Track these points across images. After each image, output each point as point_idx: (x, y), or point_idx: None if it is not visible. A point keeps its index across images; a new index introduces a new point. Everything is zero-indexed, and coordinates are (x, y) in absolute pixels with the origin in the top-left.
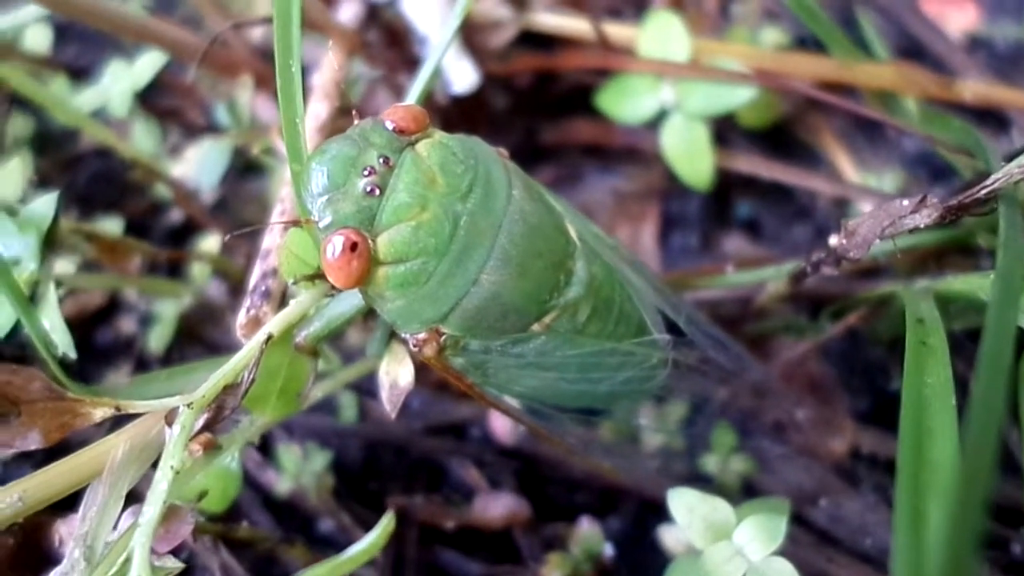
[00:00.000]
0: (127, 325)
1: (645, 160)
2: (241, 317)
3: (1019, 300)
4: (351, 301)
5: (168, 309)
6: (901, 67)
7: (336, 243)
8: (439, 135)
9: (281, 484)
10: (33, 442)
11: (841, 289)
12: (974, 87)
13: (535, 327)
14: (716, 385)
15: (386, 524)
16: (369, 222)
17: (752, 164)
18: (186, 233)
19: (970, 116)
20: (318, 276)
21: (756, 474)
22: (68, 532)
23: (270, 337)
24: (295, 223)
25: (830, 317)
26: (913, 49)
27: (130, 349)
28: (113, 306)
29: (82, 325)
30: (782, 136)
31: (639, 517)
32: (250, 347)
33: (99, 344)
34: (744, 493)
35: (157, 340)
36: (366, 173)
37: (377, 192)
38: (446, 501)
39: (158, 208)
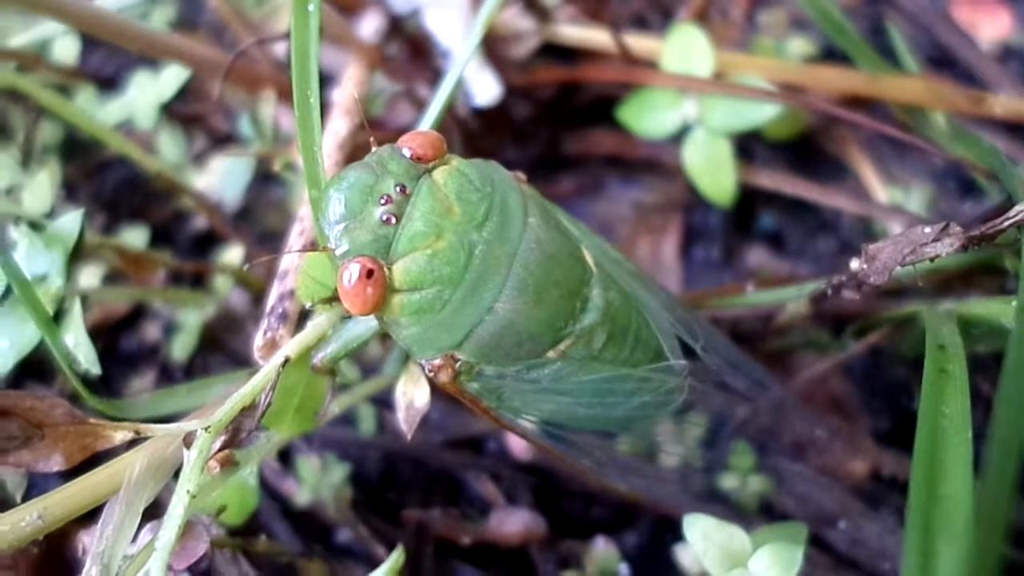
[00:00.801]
0: (152, 332)
1: (667, 172)
2: (258, 339)
3: None
4: (368, 323)
5: (191, 318)
6: (930, 81)
7: (352, 271)
8: (456, 162)
9: (301, 495)
10: (56, 464)
11: (864, 307)
12: (1005, 102)
13: (550, 354)
14: (735, 405)
15: (396, 558)
16: (385, 250)
17: (775, 180)
18: (210, 240)
19: (1002, 130)
20: (335, 299)
21: (775, 494)
22: (91, 542)
23: (287, 360)
24: (312, 249)
25: (853, 335)
26: (944, 59)
27: (154, 356)
28: (138, 313)
29: (108, 332)
30: (808, 148)
31: (656, 533)
32: (267, 370)
33: (124, 350)
34: (762, 512)
35: (180, 349)
36: (383, 201)
37: (393, 221)
38: (463, 515)
39: (183, 215)
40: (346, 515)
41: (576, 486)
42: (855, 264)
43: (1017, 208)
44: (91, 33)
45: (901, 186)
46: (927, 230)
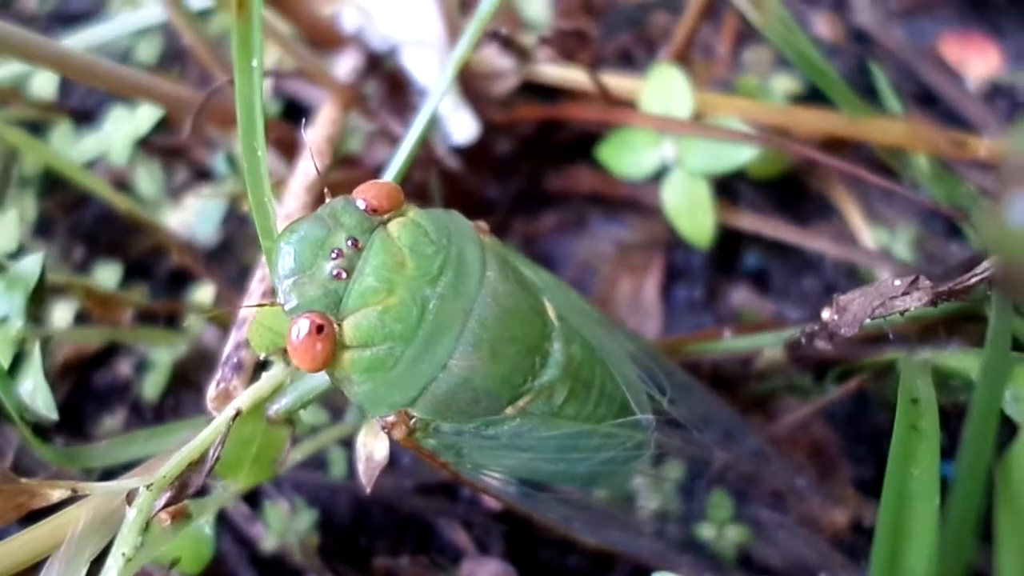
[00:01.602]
0: (124, 369)
1: (649, 210)
2: (211, 390)
3: (999, 404)
4: (324, 375)
5: (163, 356)
6: (912, 123)
7: (301, 326)
8: (413, 213)
9: (267, 541)
10: None
11: (845, 353)
12: (989, 144)
13: (508, 410)
14: (710, 455)
15: None
16: (336, 305)
17: (756, 222)
18: (188, 275)
19: (987, 171)
20: None
21: (754, 543)
22: None
23: (238, 413)
24: (264, 304)
25: (834, 380)
26: (928, 97)
27: (126, 393)
28: (111, 350)
29: (80, 368)
30: (792, 187)
31: None
32: (215, 424)
33: (96, 387)
34: (741, 563)
35: (152, 387)
36: (333, 256)
37: (344, 275)
38: (433, 563)
39: (161, 250)
40: (313, 562)
41: (552, 534)
42: (826, 314)
43: (983, 265)
44: (62, 73)
45: (887, 227)
46: (897, 283)
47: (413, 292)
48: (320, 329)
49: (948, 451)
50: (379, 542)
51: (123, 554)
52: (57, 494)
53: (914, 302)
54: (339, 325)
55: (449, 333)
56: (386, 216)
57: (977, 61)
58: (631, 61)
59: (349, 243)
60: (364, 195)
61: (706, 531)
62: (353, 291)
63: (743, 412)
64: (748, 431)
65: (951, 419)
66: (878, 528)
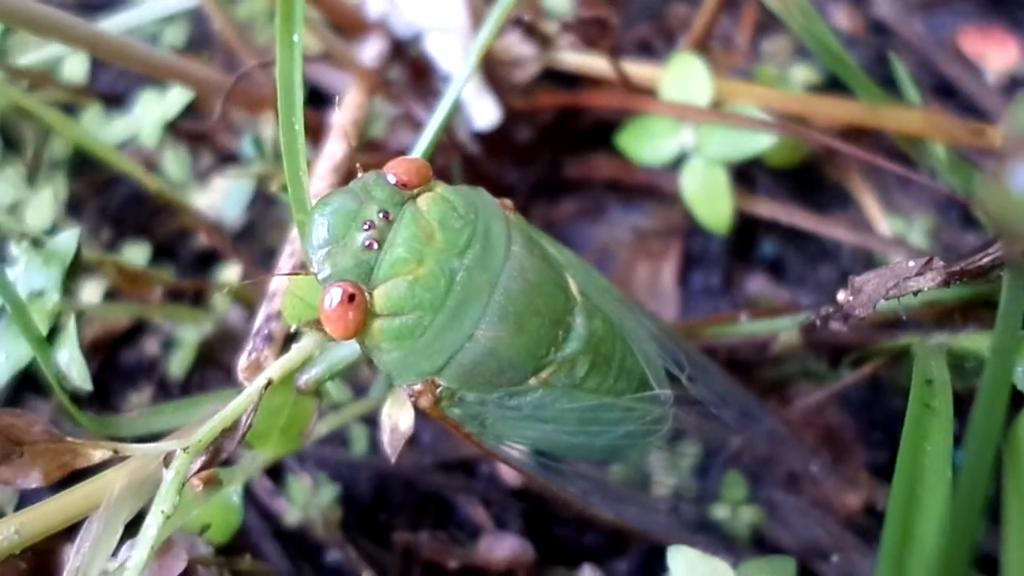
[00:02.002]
0: (151, 347)
1: (667, 197)
2: (242, 361)
3: (1010, 381)
4: (353, 346)
5: (189, 335)
6: (930, 113)
7: (334, 295)
8: (441, 188)
9: (290, 514)
10: (34, 480)
11: (861, 338)
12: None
13: (532, 381)
14: (725, 435)
15: None
16: (367, 275)
17: (774, 209)
18: (213, 255)
19: None
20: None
21: (767, 525)
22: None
23: (270, 382)
24: (298, 273)
25: (849, 365)
26: (947, 89)
27: (153, 371)
28: (138, 328)
29: (108, 346)
30: (810, 175)
31: (646, 563)
32: (249, 392)
33: (124, 365)
34: (754, 544)
35: (178, 365)
36: (365, 227)
37: (375, 246)
38: (452, 539)
39: (187, 230)
40: (335, 536)
41: (568, 512)
42: (841, 296)
43: (995, 246)
44: (95, 54)
45: (903, 216)
46: (911, 264)
47: (442, 263)
48: (352, 298)
49: (961, 437)
50: (399, 517)
51: (162, 511)
52: (99, 454)
53: (927, 282)
54: (370, 294)
55: (476, 304)
56: (415, 191)
57: (996, 54)
58: (651, 51)
59: (380, 215)
60: (395, 170)
61: (720, 511)
62: (384, 261)
63: (759, 396)
64: (764, 413)
65: (964, 404)
66: (891, 501)
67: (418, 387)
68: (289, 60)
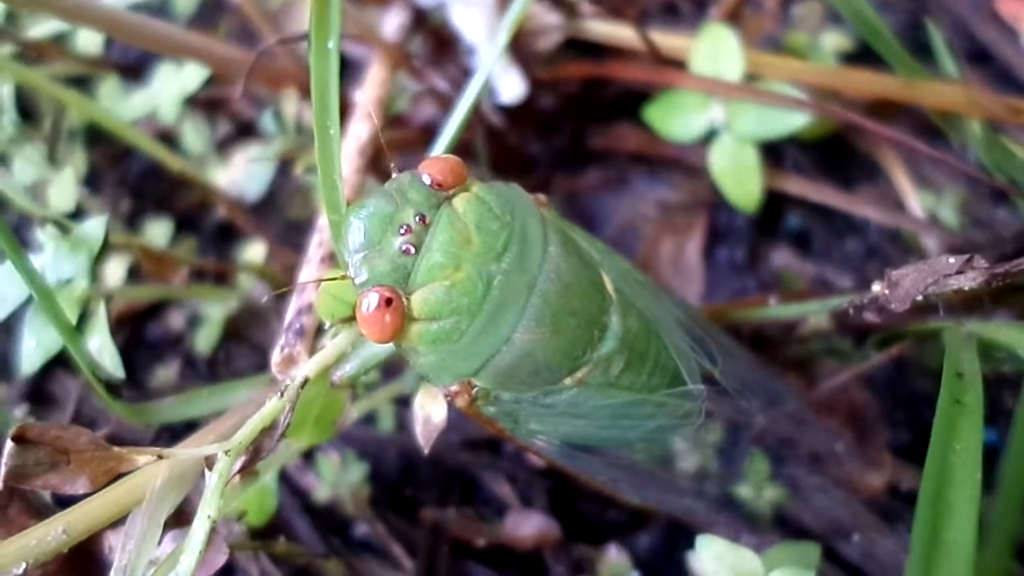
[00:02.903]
0: (177, 321)
1: (694, 170)
2: (276, 355)
3: None
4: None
5: (215, 312)
6: (967, 88)
7: (371, 299)
8: (477, 188)
9: (320, 491)
10: (82, 487)
11: (889, 320)
12: None
13: (567, 381)
14: (752, 418)
15: None
16: (404, 280)
17: (802, 186)
18: (236, 228)
19: None
20: (354, 318)
21: (789, 504)
22: (117, 541)
23: (307, 380)
24: (331, 263)
25: (875, 346)
26: (983, 55)
27: (179, 345)
28: (164, 303)
29: (133, 320)
30: (839, 148)
31: (669, 538)
32: (287, 392)
33: (150, 339)
34: (777, 523)
35: (204, 342)
36: (402, 232)
37: (412, 251)
38: (478, 515)
39: (208, 203)
40: (364, 512)
41: (591, 489)
42: (877, 287)
43: None
44: (108, 33)
45: (933, 190)
46: (951, 260)
47: (479, 268)
48: (389, 302)
49: (990, 418)
50: (426, 494)
51: (208, 516)
52: (143, 460)
53: (968, 282)
54: (407, 298)
55: (513, 308)
56: (451, 191)
57: None
58: (677, 13)
59: (417, 219)
60: (430, 170)
61: (744, 491)
62: (421, 266)
63: (783, 374)
64: (789, 395)
65: (992, 387)
66: (920, 500)
67: (454, 388)
68: (324, 66)
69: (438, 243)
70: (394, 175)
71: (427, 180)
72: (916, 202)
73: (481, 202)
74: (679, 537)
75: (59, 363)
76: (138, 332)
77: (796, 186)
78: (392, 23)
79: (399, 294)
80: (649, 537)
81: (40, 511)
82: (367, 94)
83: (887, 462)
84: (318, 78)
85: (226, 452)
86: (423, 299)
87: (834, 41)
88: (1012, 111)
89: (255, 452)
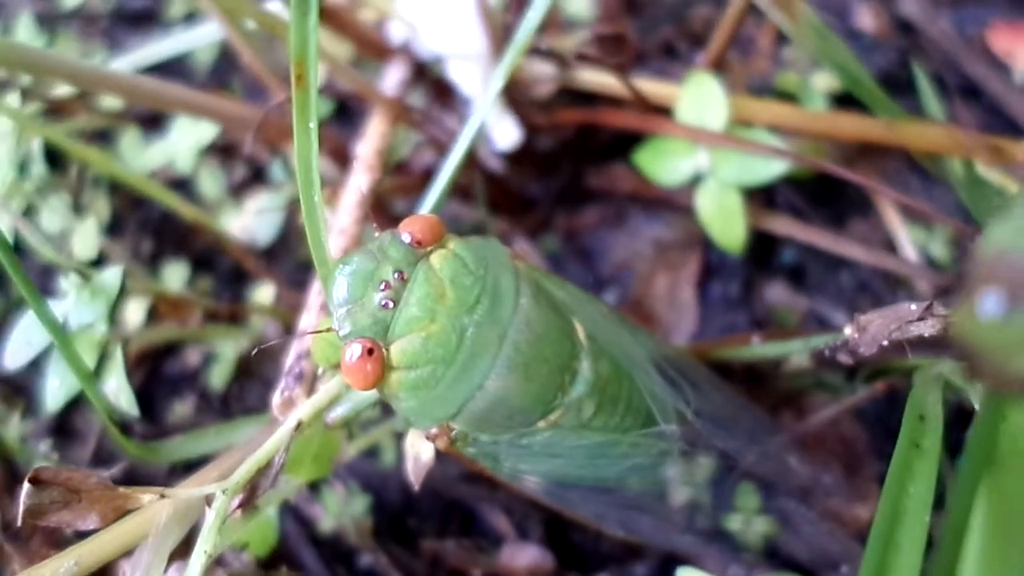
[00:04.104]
0: (193, 358)
1: (686, 209)
2: (276, 398)
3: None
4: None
5: (228, 350)
6: (950, 129)
7: (354, 350)
8: (453, 244)
9: (325, 522)
10: (92, 523)
11: (867, 358)
12: None
13: (541, 424)
14: (738, 456)
15: None
16: (384, 332)
17: (790, 227)
18: (247, 271)
19: None
20: None
21: (779, 535)
22: (130, 568)
23: (299, 424)
24: (320, 332)
25: (863, 380)
26: (973, 90)
27: (195, 380)
28: (181, 341)
29: (152, 357)
30: (829, 182)
31: (664, 567)
32: (280, 433)
33: (167, 375)
34: (767, 554)
35: (218, 378)
36: (382, 288)
37: (391, 305)
38: (476, 547)
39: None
40: (367, 542)
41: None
42: (848, 331)
43: None
44: (125, 99)
45: (923, 224)
46: (913, 307)
47: (453, 320)
48: (370, 352)
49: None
50: (427, 525)
51: (205, 552)
52: (147, 498)
53: (928, 329)
54: (387, 349)
55: (485, 356)
56: (429, 248)
57: None
58: (674, 54)
59: (396, 276)
60: (409, 229)
61: (734, 522)
62: (399, 319)
63: (773, 408)
64: (773, 432)
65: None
66: (871, 537)
67: (434, 431)
68: (306, 144)
69: (415, 298)
70: (376, 234)
71: (407, 238)
72: (906, 237)
73: (456, 258)
74: (672, 568)
75: (82, 398)
76: (156, 369)
77: (785, 227)
78: (392, 78)
79: (379, 345)
80: (644, 567)
81: (59, 544)
82: (367, 146)
83: (875, 495)
84: (301, 155)
85: (223, 491)
86: (401, 350)
87: (825, 82)
88: (994, 151)
89: (252, 490)
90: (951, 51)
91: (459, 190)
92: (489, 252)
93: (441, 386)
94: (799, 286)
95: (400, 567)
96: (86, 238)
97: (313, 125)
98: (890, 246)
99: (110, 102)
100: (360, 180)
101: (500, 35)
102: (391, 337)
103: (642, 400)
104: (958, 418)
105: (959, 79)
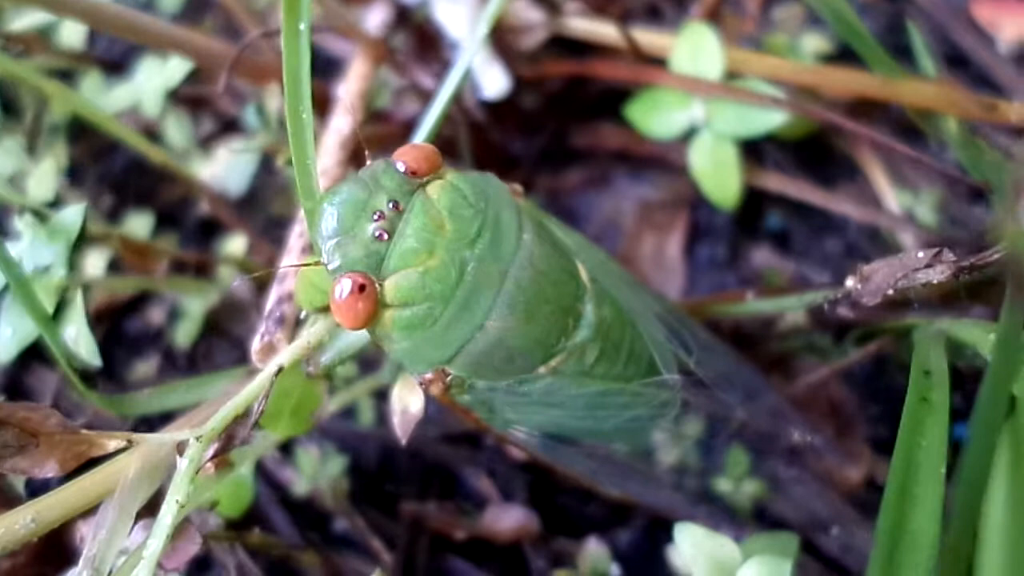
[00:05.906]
0: (156, 316)
1: (675, 168)
2: (255, 343)
3: (1008, 391)
4: (363, 332)
5: (195, 305)
6: (944, 86)
7: (344, 285)
8: (451, 176)
9: (299, 485)
10: (50, 470)
11: (866, 316)
12: (1019, 109)
13: (541, 369)
14: (730, 411)
15: None
16: (377, 266)
17: (782, 183)
18: (217, 223)
19: (1017, 136)
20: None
21: (769, 498)
22: (89, 532)
23: (280, 369)
24: (307, 264)
25: (854, 342)
26: (960, 59)
27: (159, 339)
28: (143, 297)
29: (113, 314)
30: (819, 147)
31: (649, 532)
32: (260, 379)
33: (129, 333)
34: (756, 516)
35: (184, 336)
36: (375, 218)
37: (385, 237)
38: (458, 509)
39: (190, 198)
40: (343, 506)
41: (572, 483)
42: (850, 282)
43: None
44: (90, 25)
45: (911, 189)
46: (920, 255)
47: (452, 254)
48: (362, 288)
49: (963, 412)
50: (406, 488)
51: (176, 501)
52: (113, 444)
53: (936, 275)
54: (380, 285)
55: (486, 294)
56: (425, 179)
57: (1010, 22)
58: (659, 15)
59: (390, 205)
60: (404, 158)
61: (723, 484)
62: (394, 252)
63: (762, 372)
64: (768, 389)
65: (966, 381)
66: (886, 493)
67: (428, 376)
68: (295, 50)
69: (411, 229)
70: (369, 159)
71: (401, 167)
72: (894, 201)
73: (455, 189)
74: (659, 532)
75: (37, 356)
76: (117, 327)
77: (776, 183)
78: (375, 19)
79: (372, 280)
80: (629, 532)
81: (12, 501)
82: (349, 88)
83: (865, 456)
84: (289, 62)
85: (197, 438)
86: (396, 285)
87: (814, 43)
88: (986, 108)
89: (228, 439)
90: (939, 19)
91: (443, 145)
92: (488, 185)
93: (438, 326)
94: (785, 250)
95: (378, 531)
96: (43, 179)
97: (304, 27)
98: (878, 210)
99: (71, 37)
100: (341, 122)
101: None
102: (385, 271)
103: (644, 348)
104: (957, 381)
105: (946, 47)
